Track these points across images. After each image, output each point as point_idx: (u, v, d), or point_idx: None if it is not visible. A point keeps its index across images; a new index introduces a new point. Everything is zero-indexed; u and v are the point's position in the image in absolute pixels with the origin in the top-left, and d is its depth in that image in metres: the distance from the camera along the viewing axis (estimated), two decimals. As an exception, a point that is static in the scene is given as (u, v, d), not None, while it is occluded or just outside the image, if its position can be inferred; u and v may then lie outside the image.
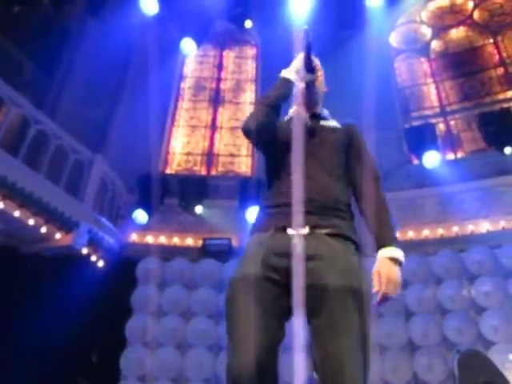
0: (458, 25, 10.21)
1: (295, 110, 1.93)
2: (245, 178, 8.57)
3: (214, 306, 6.74)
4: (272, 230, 1.63)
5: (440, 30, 10.30)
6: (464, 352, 4.87)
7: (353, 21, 9.25)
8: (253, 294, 1.49)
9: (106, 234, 7.14)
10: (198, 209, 7.87)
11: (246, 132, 1.77)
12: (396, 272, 1.59)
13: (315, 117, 1.91)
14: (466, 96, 9.22)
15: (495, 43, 9.52)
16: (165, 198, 7.94)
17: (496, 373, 4.42)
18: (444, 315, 6.41)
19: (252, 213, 6.86)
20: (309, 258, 1.52)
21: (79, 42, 9.56)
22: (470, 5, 10.22)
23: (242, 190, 7.77)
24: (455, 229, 7.22)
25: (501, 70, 9.17)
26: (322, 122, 1.89)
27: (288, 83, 1.81)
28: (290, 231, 1.59)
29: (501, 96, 8.86)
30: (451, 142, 8.76)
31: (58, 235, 6.55)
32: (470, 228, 7.14)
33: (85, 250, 6.81)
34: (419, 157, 7.81)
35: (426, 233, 7.37)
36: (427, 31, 10.39)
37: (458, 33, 10.17)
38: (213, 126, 10.01)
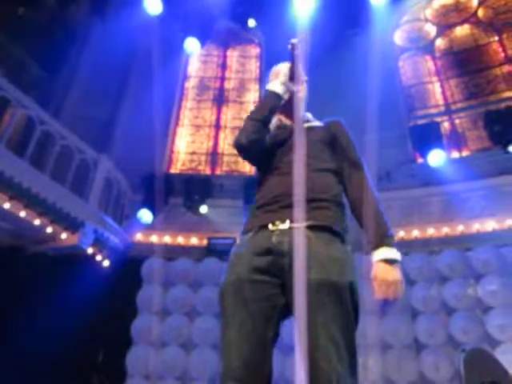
0: (462, 23, 10.16)
1: (279, 119, 1.96)
2: (249, 178, 8.56)
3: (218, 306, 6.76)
4: (254, 230, 1.66)
5: (444, 27, 10.26)
6: (470, 351, 4.86)
7: (357, 19, 9.21)
8: (240, 299, 1.51)
9: (111, 234, 7.16)
10: (203, 209, 7.88)
11: (238, 148, 1.79)
12: (393, 273, 1.55)
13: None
14: (471, 94, 9.18)
15: (500, 41, 9.47)
16: (169, 197, 7.96)
17: (502, 372, 4.41)
18: (450, 314, 6.39)
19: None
20: (286, 253, 1.53)
21: (84, 43, 9.61)
22: (475, 2, 10.18)
23: (247, 189, 7.77)
24: (460, 228, 7.20)
25: (506, 68, 9.12)
26: (306, 125, 1.91)
27: (276, 96, 1.81)
28: (270, 227, 1.61)
29: (506, 94, 8.81)
30: (456, 140, 8.72)
31: (63, 235, 6.57)
32: (476, 227, 7.11)
33: (90, 250, 6.83)
34: (424, 155, 7.78)
35: (430, 232, 7.34)
36: (432, 29, 10.35)
37: (462, 31, 10.12)
38: (217, 126, 10.02)
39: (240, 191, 7.88)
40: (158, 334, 6.68)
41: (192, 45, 9.83)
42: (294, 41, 1.78)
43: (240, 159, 9.51)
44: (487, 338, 6.05)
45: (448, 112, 9.17)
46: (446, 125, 8.94)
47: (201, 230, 8.01)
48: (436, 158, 7.57)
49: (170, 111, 9.69)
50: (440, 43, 10.15)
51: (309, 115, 2.02)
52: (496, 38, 9.56)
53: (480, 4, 10.09)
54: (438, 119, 8.80)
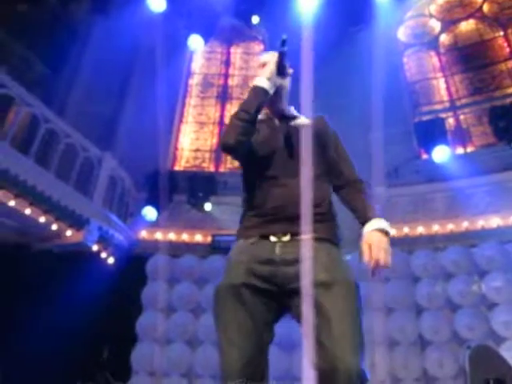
0: (467, 18, 10.10)
1: (264, 113, 1.93)
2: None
3: (223, 302, 6.76)
4: (255, 238, 1.67)
5: (449, 23, 10.21)
6: (475, 348, 4.86)
7: (361, 15, 9.17)
8: (239, 301, 1.56)
9: (115, 231, 7.18)
10: (207, 206, 7.89)
11: (226, 149, 1.74)
12: (385, 240, 1.62)
13: (284, 117, 1.91)
14: (475, 90, 9.13)
15: (505, 36, 9.41)
16: (173, 194, 7.96)
17: (507, 369, 4.41)
18: (455, 311, 6.39)
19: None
20: (292, 262, 1.57)
21: (86, 40, 9.61)
22: (480, -3, 10.12)
23: (251, 186, 7.75)
24: (465, 224, 7.18)
25: (511, 64, 9.06)
26: (293, 123, 1.89)
27: (263, 92, 1.76)
28: (272, 238, 1.65)
29: (511, 90, 8.76)
30: (461, 136, 8.69)
31: (68, 232, 6.60)
32: (481, 223, 7.08)
33: (95, 247, 6.86)
34: (429, 151, 7.76)
35: (435, 228, 7.32)
36: (436, 25, 10.30)
37: (467, 26, 10.06)
38: (221, 123, 10.02)
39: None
40: (163, 330, 6.70)
41: (196, 42, 9.81)
42: (284, 36, 1.76)
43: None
44: (492, 335, 6.05)
45: (453, 108, 9.13)
46: (450, 121, 8.90)
47: (205, 227, 8.03)
48: (441, 154, 7.55)
49: (173, 108, 9.70)
50: (444, 39, 10.10)
51: (292, 109, 1.98)
52: (501, 33, 9.50)
53: (485, -1, 10.03)
54: (443, 115, 8.76)
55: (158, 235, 7.92)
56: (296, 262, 1.56)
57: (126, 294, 6.68)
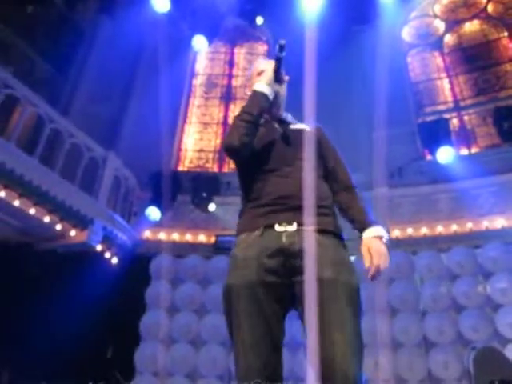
0: (471, 18, 10.07)
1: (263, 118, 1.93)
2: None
3: (227, 303, 6.75)
4: (260, 230, 1.65)
5: (453, 23, 10.18)
6: (480, 349, 4.84)
7: (365, 15, 9.17)
8: (253, 301, 1.54)
9: (119, 231, 7.20)
10: (212, 207, 7.89)
11: (229, 150, 1.74)
12: (384, 247, 1.68)
13: (282, 122, 1.94)
14: (480, 90, 9.10)
15: (510, 36, 9.38)
16: (177, 194, 7.98)
17: (512, 370, 4.38)
18: (459, 312, 6.36)
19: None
20: (298, 254, 1.56)
21: (92, 41, 9.64)
22: (485, -2, 10.09)
23: (254, 186, 7.75)
24: (469, 225, 7.15)
25: (516, 64, 9.04)
26: (292, 127, 1.91)
27: (265, 97, 1.78)
28: (277, 228, 1.62)
29: (516, 90, 8.74)
30: (465, 137, 8.66)
31: (72, 232, 6.62)
32: (485, 224, 7.06)
33: (99, 247, 6.87)
34: (433, 152, 7.73)
35: (439, 229, 7.30)
36: (440, 25, 10.27)
37: (471, 26, 10.04)
38: (225, 123, 10.03)
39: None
40: (167, 330, 6.71)
41: (200, 42, 9.83)
42: (282, 42, 1.77)
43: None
44: (497, 336, 6.02)
45: (457, 108, 9.10)
46: (454, 121, 8.88)
47: (208, 227, 8.04)
48: (445, 154, 7.52)
49: (177, 109, 9.71)
50: (449, 39, 10.07)
51: (289, 116, 2.01)
52: (506, 34, 9.46)
53: (489, -1, 10.00)
54: (447, 116, 8.74)
55: (162, 235, 7.94)
56: (302, 253, 1.56)
57: (129, 294, 6.68)
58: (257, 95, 1.78)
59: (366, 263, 1.63)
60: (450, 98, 9.31)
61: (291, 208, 1.63)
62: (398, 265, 6.73)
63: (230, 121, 9.98)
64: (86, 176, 6.74)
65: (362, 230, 1.72)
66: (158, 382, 6.50)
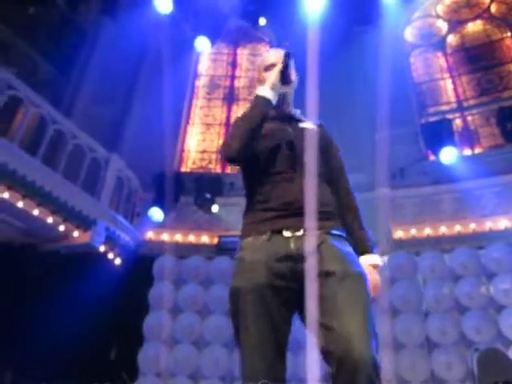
0: (474, 18, 10.05)
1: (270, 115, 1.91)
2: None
3: (229, 304, 6.75)
4: (268, 234, 1.64)
5: (456, 23, 10.16)
6: (483, 351, 4.83)
7: (368, 16, 9.16)
8: (260, 304, 1.54)
9: (122, 232, 7.21)
10: (215, 208, 7.89)
11: (230, 157, 1.72)
12: (378, 277, 1.72)
13: (291, 119, 1.91)
14: (483, 91, 9.08)
15: (513, 36, 9.36)
16: (180, 195, 7.98)
17: (516, 371, 4.36)
18: (462, 313, 6.34)
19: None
20: (307, 255, 1.57)
21: (94, 42, 9.66)
22: (488, -2, 10.07)
23: (257, 187, 7.75)
24: (473, 226, 7.13)
25: (519, 64, 9.01)
26: (301, 125, 1.88)
27: (267, 102, 1.75)
28: (285, 233, 1.62)
29: (519, 91, 8.71)
30: (468, 137, 8.64)
31: (75, 233, 6.64)
32: (488, 225, 7.04)
33: (102, 248, 6.88)
34: (436, 153, 7.72)
35: (443, 230, 7.28)
36: (443, 25, 10.26)
37: (474, 26, 10.02)
38: (227, 124, 10.03)
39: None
40: (170, 331, 6.71)
41: (202, 43, 9.84)
42: (288, 51, 1.77)
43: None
44: (500, 338, 5.99)
45: (460, 109, 9.08)
46: (458, 122, 8.86)
47: (211, 228, 8.04)
48: (448, 155, 7.51)
49: (180, 110, 9.73)
50: (452, 39, 10.05)
51: (298, 112, 1.98)
52: (509, 34, 9.44)
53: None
54: (450, 116, 8.72)
55: (165, 236, 7.94)
56: (310, 255, 1.57)
57: (132, 295, 6.69)
58: (259, 100, 1.76)
59: None
60: (453, 99, 9.29)
61: (298, 213, 1.63)
62: (401, 265, 6.72)
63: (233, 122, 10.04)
64: (88, 177, 6.75)
65: (359, 254, 1.73)
66: (161, 382, 6.50)
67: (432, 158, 8.11)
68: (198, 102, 10.47)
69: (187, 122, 10.05)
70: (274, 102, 1.76)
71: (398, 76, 8.40)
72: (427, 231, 7.34)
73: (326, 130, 1.96)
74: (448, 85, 9.51)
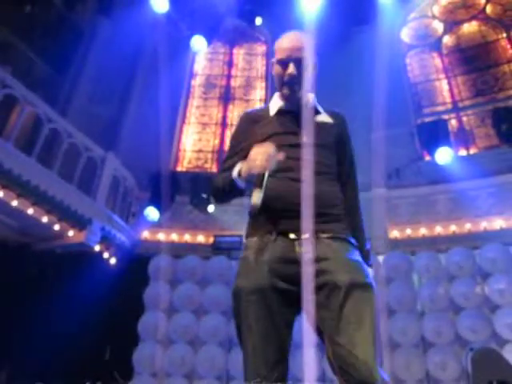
0: (470, 19, 10.09)
1: (279, 103, 1.85)
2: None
3: (225, 303, 6.75)
4: (273, 235, 1.63)
5: (452, 24, 10.19)
6: (478, 350, 4.84)
7: (364, 16, 9.18)
8: (263, 305, 1.54)
9: (118, 232, 7.19)
10: (211, 208, 7.88)
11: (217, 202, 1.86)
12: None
13: (304, 111, 1.77)
14: (478, 92, 9.11)
15: (508, 37, 9.40)
16: (176, 195, 7.97)
17: (511, 371, 4.38)
18: (457, 313, 6.36)
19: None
20: (314, 260, 1.55)
21: (91, 41, 9.64)
22: (483, -1, 10.11)
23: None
24: (468, 226, 7.16)
25: (514, 65, 9.05)
26: (318, 118, 1.81)
27: (237, 184, 1.72)
28: (291, 236, 1.61)
29: (514, 91, 8.75)
30: (464, 138, 8.67)
31: (71, 232, 6.61)
32: (483, 225, 7.07)
33: (97, 247, 6.87)
34: (431, 153, 7.74)
35: (438, 230, 7.31)
36: (439, 26, 10.29)
37: (470, 27, 10.05)
38: (223, 124, 10.03)
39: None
40: (165, 331, 6.70)
41: (199, 43, 9.82)
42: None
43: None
44: (495, 337, 6.02)
45: (456, 109, 9.11)
46: (453, 122, 8.89)
47: (207, 227, 8.04)
48: (444, 155, 7.53)
49: (176, 109, 9.71)
50: (447, 40, 10.09)
51: (311, 98, 1.84)
52: (504, 35, 9.48)
53: (488, 0, 10.01)
54: (446, 117, 8.76)
55: (161, 236, 7.93)
56: (317, 260, 1.55)
57: (128, 295, 6.67)
58: (230, 179, 1.71)
59: None
60: (448, 99, 9.32)
61: (304, 216, 1.59)
62: (397, 265, 6.74)
63: (229, 121, 10.02)
64: (84, 176, 6.73)
65: None
66: (156, 382, 6.49)
67: (427, 158, 8.13)
68: (194, 102, 10.46)
69: (183, 122, 10.04)
70: (242, 186, 1.70)
71: (394, 76, 8.42)
72: (423, 231, 7.37)
73: (342, 122, 1.88)
74: (444, 85, 9.54)
